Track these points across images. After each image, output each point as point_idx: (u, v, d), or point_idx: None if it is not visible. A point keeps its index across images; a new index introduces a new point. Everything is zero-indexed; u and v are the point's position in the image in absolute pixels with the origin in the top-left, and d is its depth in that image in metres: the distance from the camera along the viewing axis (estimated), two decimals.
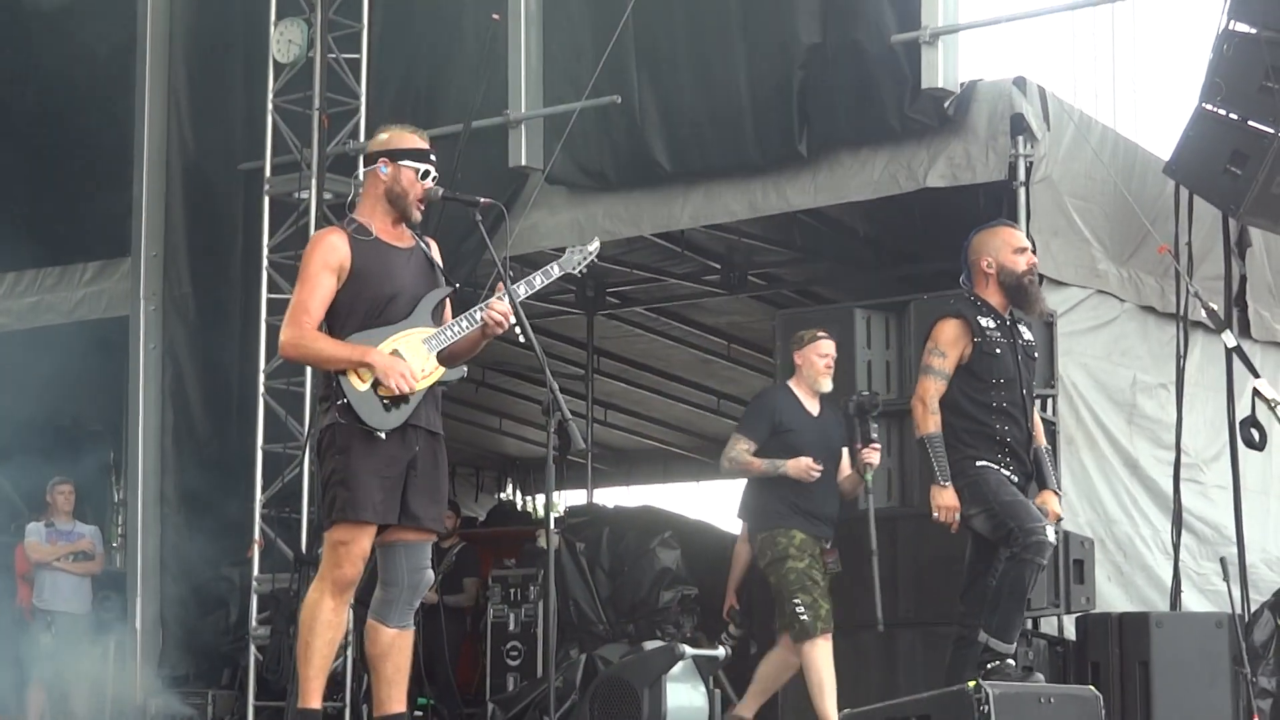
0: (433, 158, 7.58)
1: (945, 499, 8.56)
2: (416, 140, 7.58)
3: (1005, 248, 8.78)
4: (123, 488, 16.04)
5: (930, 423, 8.60)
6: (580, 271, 7.75)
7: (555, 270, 7.67)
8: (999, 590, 8.45)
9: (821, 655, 9.59)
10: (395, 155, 7.52)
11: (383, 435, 7.32)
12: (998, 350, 8.68)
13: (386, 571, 7.55)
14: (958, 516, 8.57)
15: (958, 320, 8.69)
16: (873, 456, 9.78)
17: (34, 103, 14.98)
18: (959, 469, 8.54)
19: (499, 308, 7.42)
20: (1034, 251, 9.10)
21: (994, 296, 8.76)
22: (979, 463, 8.54)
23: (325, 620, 7.44)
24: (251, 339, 13.09)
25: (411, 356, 7.38)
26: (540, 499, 23.06)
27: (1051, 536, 8.55)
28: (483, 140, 12.50)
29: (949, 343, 8.67)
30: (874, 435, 9.74)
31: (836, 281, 15.25)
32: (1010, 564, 8.40)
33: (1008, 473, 8.59)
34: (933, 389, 8.64)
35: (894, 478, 10.02)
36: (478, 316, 7.45)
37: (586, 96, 12.09)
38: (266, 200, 13.07)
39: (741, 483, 10.65)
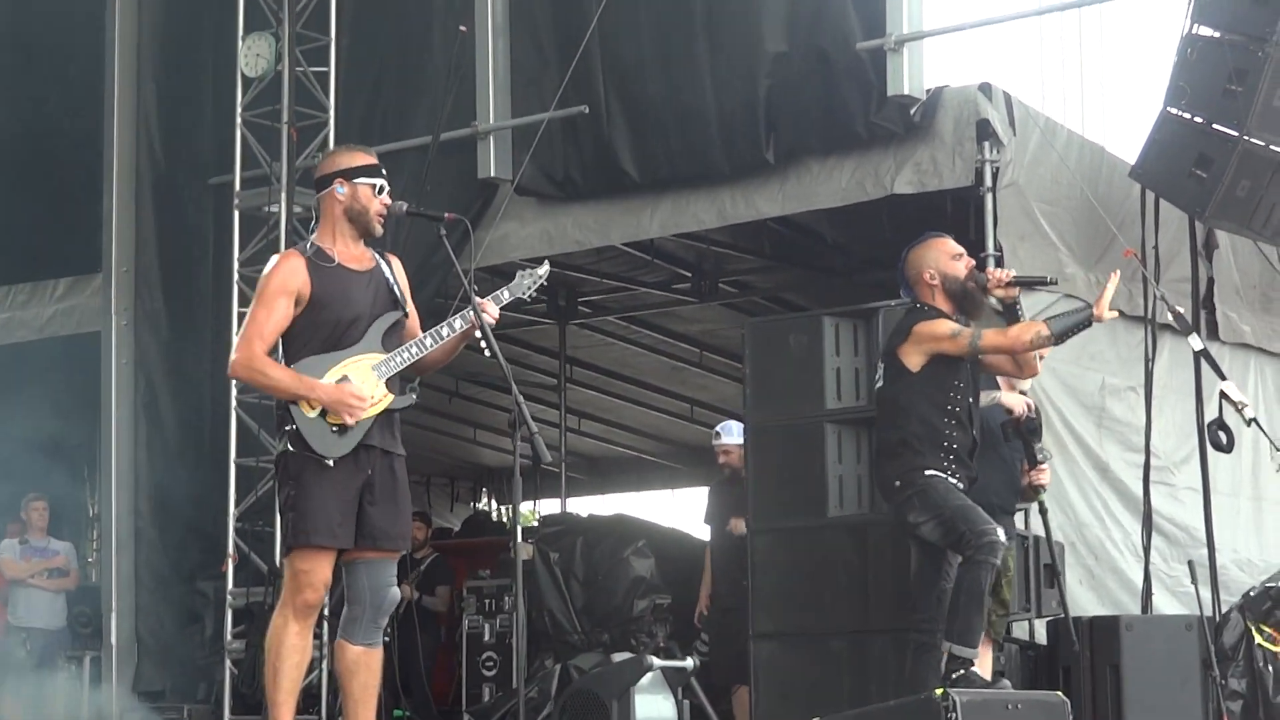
0: (384, 172, 7.63)
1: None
2: (366, 157, 7.63)
3: (943, 256, 8.71)
4: (97, 502, 16.02)
5: (1026, 326, 8.56)
6: (529, 296, 7.77)
7: (505, 295, 7.66)
8: (957, 596, 8.42)
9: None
10: (350, 174, 7.55)
11: (330, 463, 7.34)
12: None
13: (350, 589, 7.56)
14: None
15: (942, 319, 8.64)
16: (1044, 477, 9.57)
17: (2, 119, 14.95)
18: (907, 478, 8.50)
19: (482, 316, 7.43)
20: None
21: (943, 306, 8.71)
22: (926, 471, 8.48)
23: (291, 644, 7.48)
24: (223, 353, 12.88)
25: (360, 383, 7.38)
26: None
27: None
28: (452, 152, 12.50)
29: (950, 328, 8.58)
30: (1040, 456, 9.45)
31: (806, 288, 15.29)
32: (966, 567, 8.38)
33: (954, 480, 8.57)
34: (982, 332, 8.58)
35: (864, 484, 9.98)
36: (442, 333, 7.48)
37: (554, 107, 12.12)
38: (236, 214, 13.06)
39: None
